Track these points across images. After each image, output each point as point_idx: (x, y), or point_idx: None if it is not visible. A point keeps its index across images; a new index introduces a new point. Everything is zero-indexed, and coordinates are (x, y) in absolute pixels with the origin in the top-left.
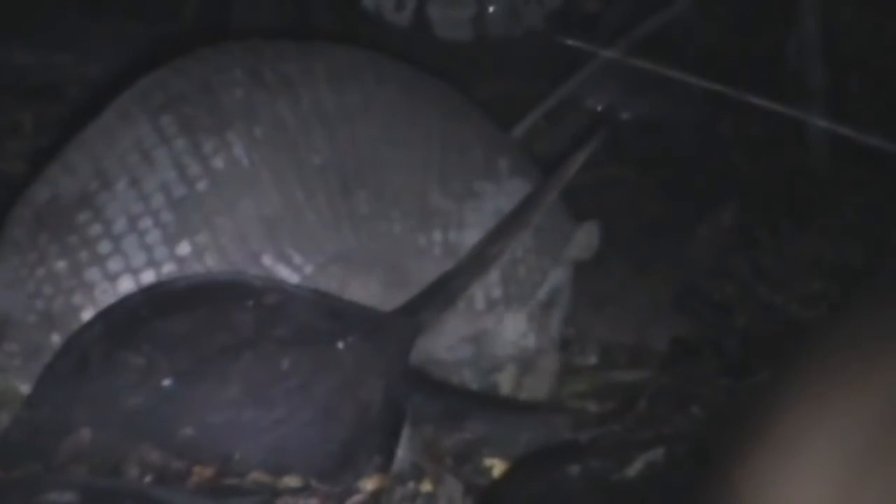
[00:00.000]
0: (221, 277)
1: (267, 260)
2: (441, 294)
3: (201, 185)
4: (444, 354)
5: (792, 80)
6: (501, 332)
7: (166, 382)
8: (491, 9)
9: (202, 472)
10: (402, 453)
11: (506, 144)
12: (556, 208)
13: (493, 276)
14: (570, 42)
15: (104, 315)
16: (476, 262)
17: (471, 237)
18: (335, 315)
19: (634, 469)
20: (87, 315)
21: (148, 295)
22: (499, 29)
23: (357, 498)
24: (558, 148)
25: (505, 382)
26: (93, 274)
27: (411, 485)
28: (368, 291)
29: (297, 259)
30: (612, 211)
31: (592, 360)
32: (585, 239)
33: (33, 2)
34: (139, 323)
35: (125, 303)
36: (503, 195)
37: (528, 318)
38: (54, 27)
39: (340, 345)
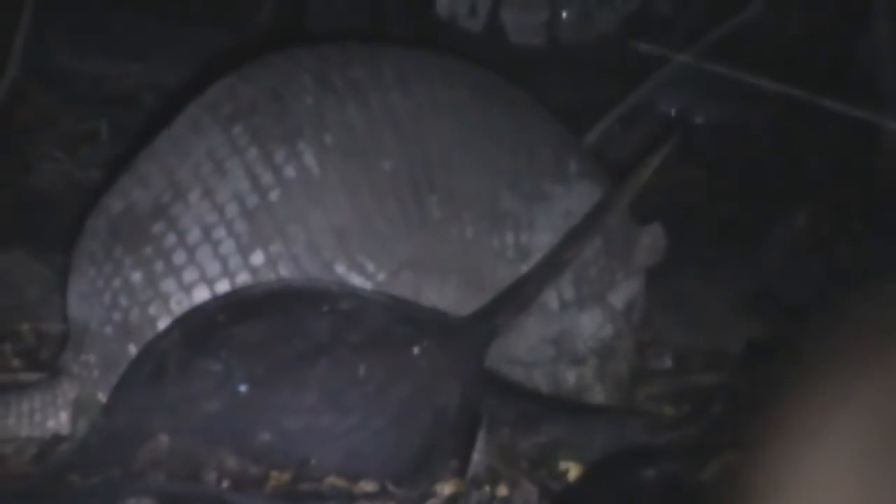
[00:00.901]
0: (297, 283)
1: (340, 268)
2: (515, 298)
3: (274, 195)
4: (525, 356)
5: (864, 82)
6: (580, 330)
7: (243, 388)
8: (564, 14)
9: (279, 478)
10: (478, 457)
11: (574, 147)
12: (623, 211)
13: (565, 277)
14: (642, 46)
15: (181, 322)
16: (550, 266)
17: (541, 239)
18: (410, 320)
19: (709, 473)
20: (163, 326)
21: (224, 301)
22: (572, 34)
23: (433, 502)
24: (632, 152)
25: (589, 374)
26: (168, 285)
27: (487, 488)
28: (443, 295)
29: (370, 267)
30: (685, 214)
31: (667, 363)
32: (650, 241)
33: (107, 11)
34: (216, 329)
35: (201, 309)
36: (572, 197)
37: (603, 310)
38: (128, 36)
39: (416, 350)
